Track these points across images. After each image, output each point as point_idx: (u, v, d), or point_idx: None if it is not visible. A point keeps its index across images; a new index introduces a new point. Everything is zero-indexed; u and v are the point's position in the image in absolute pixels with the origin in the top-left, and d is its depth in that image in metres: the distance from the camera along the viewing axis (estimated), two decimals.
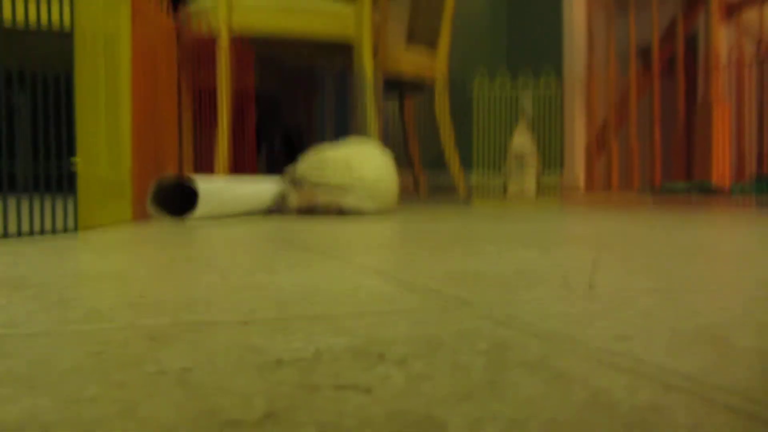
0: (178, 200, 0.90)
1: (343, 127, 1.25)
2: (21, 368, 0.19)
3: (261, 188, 0.98)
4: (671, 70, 2.51)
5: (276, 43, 1.71)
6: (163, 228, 0.73)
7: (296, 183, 0.98)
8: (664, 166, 2.81)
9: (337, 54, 1.78)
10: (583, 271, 0.40)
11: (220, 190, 0.87)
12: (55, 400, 0.17)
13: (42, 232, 0.60)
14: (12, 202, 0.55)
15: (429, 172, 2.30)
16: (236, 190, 0.92)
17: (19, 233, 0.58)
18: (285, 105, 2.35)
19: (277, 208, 1.01)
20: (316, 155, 0.98)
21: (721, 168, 2.08)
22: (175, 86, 0.95)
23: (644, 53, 3.02)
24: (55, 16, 1.08)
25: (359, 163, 0.95)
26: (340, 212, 1.01)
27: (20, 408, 0.16)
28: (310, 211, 1.00)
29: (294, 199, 0.98)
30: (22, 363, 0.20)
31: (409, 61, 2.11)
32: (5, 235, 0.57)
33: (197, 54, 1.33)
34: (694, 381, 0.19)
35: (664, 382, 0.19)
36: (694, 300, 0.31)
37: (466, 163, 1.52)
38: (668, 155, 2.57)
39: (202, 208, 0.83)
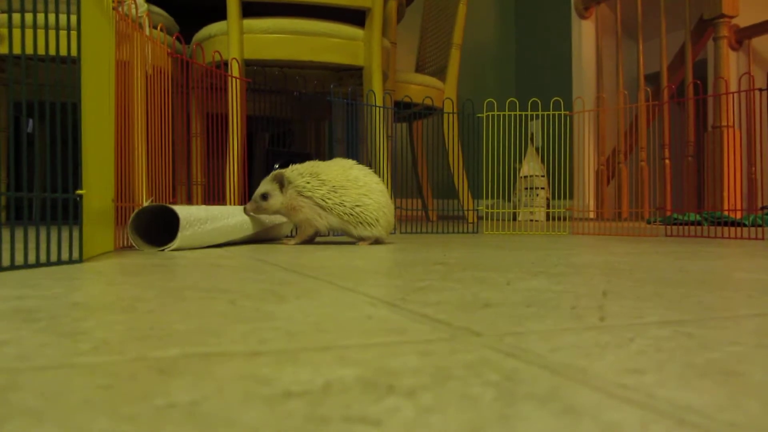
0: (157, 229, 0.86)
1: (353, 152, 1.25)
2: (31, 401, 0.19)
3: (244, 220, 0.95)
4: (681, 97, 2.52)
5: (285, 68, 1.73)
6: (162, 256, 0.74)
7: (284, 185, 0.94)
8: (674, 194, 2.80)
9: (347, 79, 1.80)
10: (593, 301, 0.40)
11: (200, 220, 0.83)
12: None
13: (48, 263, 0.60)
14: (8, 232, 0.56)
15: (437, 200, 2.31)
16: (218, 222, 0.88)
17: (26, 264, 0.58)
18: (296, 131, 2.37)
19: (253, 210, 0.95)
20: (309, 167, 0.96)
21: (733, 197, 2.07)
22: (168, 112, 0.95)
23: (653, 80, 3.03)
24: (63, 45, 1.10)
25: (343, 188, 0.94)
26: (315, 234, 1.00)
27: None
28: (287, 218, 0.97)
29: (276, 202, 0.94)
30: (32, 396, 0.20)
31: (419, 87, 2.13)
32: (12, 266, 0.57)
33: (208, 80, 1.35)
34: (708, 417, 0.18)
35: (677, 418, 0.18)
36: (706, 332, 0.31)
37: (476, 190, 1.53)
38: (679, 182, 2.56)
39: (183, 240, 0.80)
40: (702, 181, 2.26)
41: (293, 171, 0.95)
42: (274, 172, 0.96)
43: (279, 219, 1.04)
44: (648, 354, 0.26)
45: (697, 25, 2.45)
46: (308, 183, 0.94)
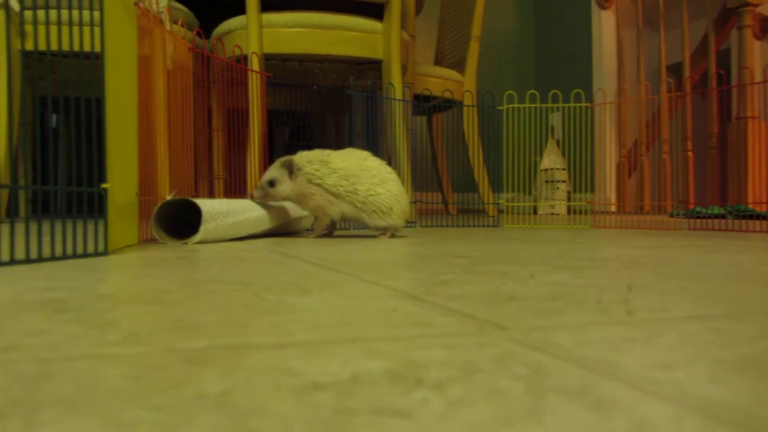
0: (179, 223, 0.86)
1: (373, 145, 1.26)
2: (64, 391, 0.20)
3: (265, 213, 0.94)
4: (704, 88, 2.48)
5: (305, 62, 1.74)
6: (185, 249, 0.74)
7: (293, 171, 0.92)
8: (698, 187, 2.76)
9: (366, 72, 1.80)
10: (618, 295, 0.40)
11: (222, 214, 0.84)
12: (98, 422, 0.17)
13: (74, 255, 0.61)
14: (36, 225, 0.56)
15: (457, 194, 2.30)
16: (240, 216, 0.87)
17: (53, 256, 0.59)
18: (315, 124, 2.37)
19: (260, 197, 0.93)
20: (318, 155, 0.94)
21: (758, 190, 2.04)
22: (189, 107, 0.95)
23: (676, 71, 2.98)
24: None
25: (356, 177, 0.93)
26: (333, 225, 0.98)
27: (65, 429, 0.16)
28: (298, 203, 0.95)
29: (285, 189, 0.92)
30: (65, 386, 0.20)
31: (438, 80, 2.12)
32: (40, 258, 0.58)
33: (228, 75, 1.36)
34: (742, 413, 0.18)
35: (711, 414, 0.18)
36: (735, 327, 0.30)
37: (496, 184, 1.52)
38: (702, 175, 2.52)
39: (205, 233, 0.81)
40: (726, 174, 2.23)
41: (302, 158, 0.93)
42: (282, 158, 0.93)
43: (296, 210, 1.04)
44: (677, 349, 0.26)
45: (720, 13, 2.41)
46: (318, 170, 0.92)
